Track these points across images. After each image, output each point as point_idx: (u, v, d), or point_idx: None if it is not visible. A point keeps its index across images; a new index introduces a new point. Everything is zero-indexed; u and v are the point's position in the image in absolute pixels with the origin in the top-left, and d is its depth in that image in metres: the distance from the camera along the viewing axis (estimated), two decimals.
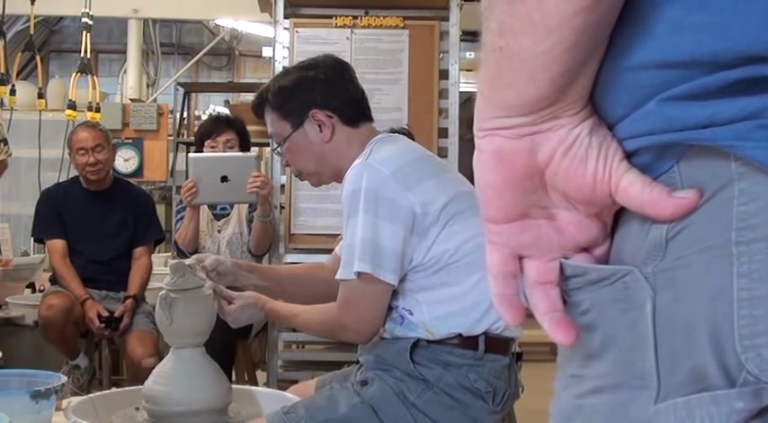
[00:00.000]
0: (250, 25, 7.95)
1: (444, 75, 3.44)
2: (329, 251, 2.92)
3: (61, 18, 9.88)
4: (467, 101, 5.43)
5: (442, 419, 1.74)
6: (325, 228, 3.33)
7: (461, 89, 3.52)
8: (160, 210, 4.80)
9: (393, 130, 2.32)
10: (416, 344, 1.78)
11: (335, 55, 2.06)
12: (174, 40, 10.63)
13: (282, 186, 3.41)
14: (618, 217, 0.56)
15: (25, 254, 4.97)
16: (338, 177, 1.92)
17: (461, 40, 3.51)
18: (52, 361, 3.48)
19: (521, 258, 0.57)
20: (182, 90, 7.18)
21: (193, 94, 8.06)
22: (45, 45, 10.27)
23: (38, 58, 5.14)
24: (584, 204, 0.54)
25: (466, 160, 3.44)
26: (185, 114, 7.17)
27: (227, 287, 1.99)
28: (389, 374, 1.78)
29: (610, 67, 0.52)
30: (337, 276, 1.79)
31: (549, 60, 0.50)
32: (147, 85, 8.68)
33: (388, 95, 3.38)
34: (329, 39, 3.42)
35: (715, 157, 0.49)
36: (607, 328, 0.54)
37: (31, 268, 4.55)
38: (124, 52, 7.97)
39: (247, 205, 3.42)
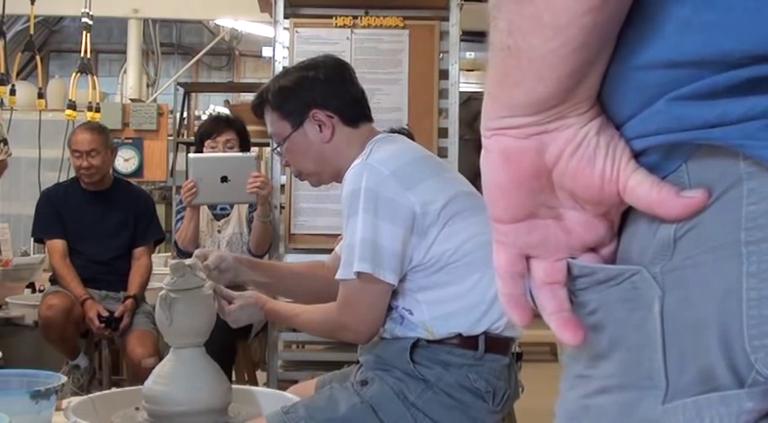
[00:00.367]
0: (250, 25, 7.95)
1: (444, 75, 3.44)
2: (329, 251, 2.92)
3: (61, 18, 9.88)
4: (467, 101, 5.44)
5: (442, 419, 1.74)
6: (325, 228, 3.33)
7: (461, 89, 3.52)
8: (160, 210, 4.80)
9: (393, 130, 2.32)
10: (416, 344, 1.78)
11: (336, 55, 2.06)
12: (174, 40, 10.64)
13: (282, 186, 3.41)
14: (625, 217, 0.56)
15: (25, 254, 4.97)
16: (338, 177, 1.92)
17: (461, 40, 3.51)
18: (52, 361, 3.48)
19: (528, 258, 0.57)
20: (182, 90, 7.18)
21: (193, 94, 8.06)
22: (45, 45, 10.27)
23: (38, 58, 5.13)
24: (591, 204, 0.54)
25: (466, 160, 3.45)
26: (185, 114, 7.17)
27: (228, 285, 1.99)
28: (389, 374, 1.78)
29: (618, 67, 0.52)
30: (337, 276, 1.79)
31: (557, 60, 0.50)
32: (147, 85, 8.68)
33: (388, 95, 3.38)
34: (329, 39, 3.42)
35: (723, 157, 0.48)
36: (614, 328, 0.54)
37: (31, 268, 4.55)
38: (124, 52, 7.97)
39: (247, 205, 3.42)
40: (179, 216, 3.41)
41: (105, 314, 3.45)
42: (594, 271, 0.55)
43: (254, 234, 3.32)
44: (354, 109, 1.92)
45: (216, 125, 3.50)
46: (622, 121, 0.53)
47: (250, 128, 3.65)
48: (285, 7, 3.42)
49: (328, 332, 1.97)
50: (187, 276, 1.82)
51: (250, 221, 3.41)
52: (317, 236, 3.36)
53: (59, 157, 5.02)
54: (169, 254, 5.33)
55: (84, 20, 4.60)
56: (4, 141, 3.86)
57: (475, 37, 5.74)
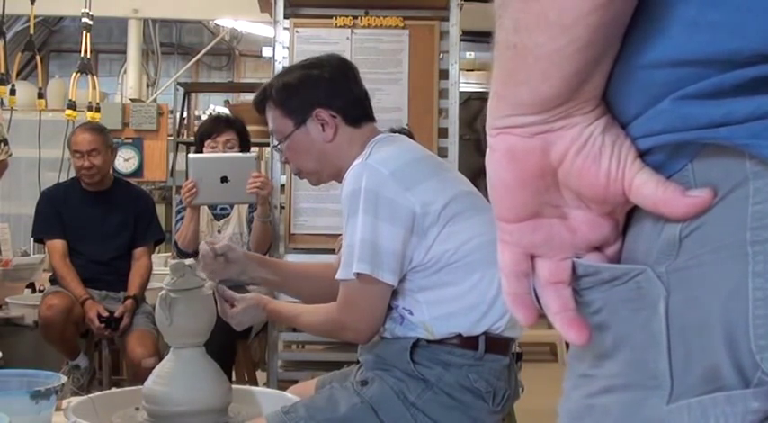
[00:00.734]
0: (250, 25, 7.95)
1: (444, 75, 3.44)
2: (329, 251, 2.93)
3: (61, 18, 9.88)
4: (467, 101, 5.44)
5: (442, 419, 1.74)
6: (325, 228, 3.33)
7: (461, 89, 3.52)
8: (160, 210, 4.80)
9: (393, 130, 2.32)
10: (416, 344, 1.78)
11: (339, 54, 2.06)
12: (174, 40, 10.64)
13: (282, 186, 3.41)
14: (630, 216, 0.56)
15: (25, 254, 4.97)
16: (338, 177, 1.92)
17: (461, 40, 3.51)
18: (52, 361, 3.48)
19: (533, 257, 0.57)
20: (182, 90, 7.18)
21: (193, 94, 8.05)
22: (45, 45, 10.27)
23: (38, 58, 5.14)
24: (596, 203, 0.54)
25: (466, 160, 3.45)
26: (185, 114, 7.16)
27: (230, 286, 1.99)
28: (389, 374, 1.78)
29: (623, 66, 0.52)
30: (337, 276, 1.79)
31: (562, 58, 0.50)
32: (147, 85, 8.68)
33: (388, 95, 3.38)
34: (329, 39, 3.42)
35: (729, 156, 0.48)
36: (619, 328, 0.54)
37: (31, 268, 4.55)
38: (124, 52, 7.97)
39: (247, 205, 3.42)
40: (179, 216, 3.41)
41: (105, 314, 3.45)
42: (599, 270, 0.55)
43: (254, 234, 3.32)
44: (357, 109, 1.92)
45: (216, 125, 3.50)
46: (628, 120, 0.53)
47: (250, 128, 3.65)
48: (285, 7, 3.42)
49: (329, 332, 1.97)
50: (187, 276, 1.82)
51: (250, 221, 3.41)
52: (317, 236, 3.36)
53: (59, 157, 5.02)
54: (169, 254, 5.33)
55: (84, 20, 4.60)
56: (5, 141, 3.86)
57: (475, 37, 5.74)
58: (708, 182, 0.50)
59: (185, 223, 3.29)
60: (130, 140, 6.66)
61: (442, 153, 3.32)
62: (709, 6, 0.47)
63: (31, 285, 4.52)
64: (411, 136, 2.68)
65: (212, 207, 3.46)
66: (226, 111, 6.05)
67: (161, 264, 4.90)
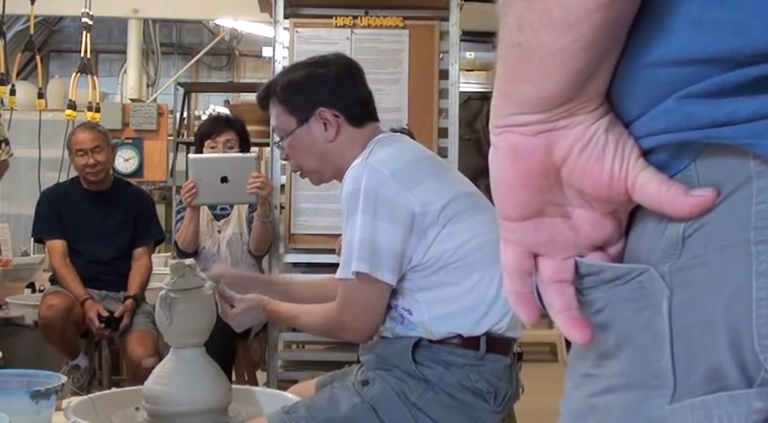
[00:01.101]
0: (250, 25, 7.94)
1: (444, 75, 3.44)
2: (329, 251, 2.93)
3: (61, 18, 9.87)
4: (467, 101, 5.44)
5: (443, 420, 1.74)
6: (325, 228, 3.33)
7: (461, 89, 3.52)
8: (160, 210, 4.80)
9: (394, 130, 2.32)
10: (418, 343, 1.78)
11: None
12: (174, 40, 10.63)
13: (282, 186, 3.41)
14: (633, 215, 0.56)
15: (25, 254, 4.97)
16: (339, 176, 1.92)
17: (461, 40, 3.51)
18: (52, 361, 3.48)
19: (535, 256, 0.57)
20: (182, 90, 7.17)
21: (193, 94, 8.05)
22: (45, 45, 10.26)
23: (38, 58, 5.13)
24: (599, 202, 0.54)
25: (466, 160, 3.45)
26: (185, 114, 7.16)
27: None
28: (390, 374, 1.78)
29: (627, 65, 0.52)
30: (336, 276, 1.79)
31: (567, 57, 0.50)
32: (147, 85, 8.67)
33: (388, 95, 3.38)
34: (329, 39, 3.41)
35: (733, 156, 0.48)
36: (622, 327, 0.54)
37: (31, 268, 4.55)
38: (124, 52, 7.96)
39: (247, 205, 3.42)
40: (179, 216, 3.41)
41: (105, 314, 3.45)
42: (602, 269, 0.55)
43: (254, 234, 3.32)
44: (361, 109, 1.92)
45: (216, 125, 3.50)
46: (631, 119, 0.53)
47: (250, 128, 3.65)
48: (285, 7, 3.42)
49: (328, 332, 1.98)
50: (187, 276, 1.82)
51: (250, 222, 3.41)
52: (317, 236, 3.36)
53: (59, 157, 5.01)
54: (169, 254, 5.33)
55: (84, 20, 4.59)
56: (6, 141, 3.86)
57: (475, 37, 5.74)
58: (711, 181, 0.50)
59: (185, 223, 3.29)
60: (130, 140, 6.66)
61: (442, 153, 3.32)
62: (712, 5, 0.47)
63: (31, 285, 4.52)
64: (412, 136, 2.68)
65: (212, 207, 3.46)
66: (226, 111, 6.05)
67: (161, 264, 4.90)
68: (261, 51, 8.36)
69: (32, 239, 4.27)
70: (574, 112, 0.52)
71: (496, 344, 1.79)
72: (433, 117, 3.42)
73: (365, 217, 1.72)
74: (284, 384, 2.74)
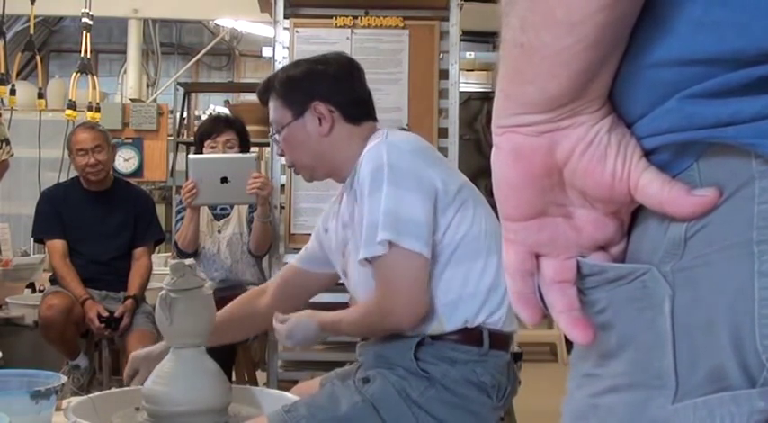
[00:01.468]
0: (250, 25, 7.95)
1: (444, 75, 3.43)
2: None
3: (61, 18, 9.87)
4: (467, 101, 5.44)
5: (445, 417, 1.74)
6: None
7: (461, 89, 3.52)
8: (160, 210, 4.80)
9: None
10: (421, 342, 1.78)
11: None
12: (174, 40, 10.63)
13: (282, 186, 3.41)
14: (635, 215, 0.56)
15: (25, 254, 4.97)
16: (333, 175, 1.93)
17: (461, 40, 3.51)
18: (52, 361, 3.48)
19: (537, 256, 0.57)
20: (182, 90, 7.17)
21: (193, 94, 8.05)
22: (45, 45, 10.27)
23: (38, 58, 5.14)
24: (602, 202, 0.54)
25: (466, 160, 3.45)
26: (185, 114, 7.16)
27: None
28: (392, 372, 1.77)
29: (630, 65, 0.52)
30: (360, 256, 1.74)
31: (570, 57, 0.50)
32: (147, 85, 8.68)
33: (388, 95, 3.38)
34: (329, 39, 3.41)
35: (735, 156, 0.48)
36: (624, 327, 0.54)
37: (31, 268, 4.55)
38: (124, 52, 7.97)
39: (247, 205, 3.42)
40: (179, 216, 3.41)
41: (105, 314, 3.45)
42: (604, 270, 0.55)
43: (254, 234, 3.32)
44: (358, 108, 1.92)
45: (216, 125, 3.50)
46: (634, 119, 0.53)
47: (250, 128, 3.65)
48: (285, 7, 3.42)
49: (372, 326, 1.85)
50: (187, 276, 1.82)
51: (250, 222, 3.41)
52: None
53: (59, 157, 5.02)
54: (169, 254, 5.34)
55: (84, 20, 4.60)
56: (6, 141, 3.87)
57: (475, 37, 5.74)
58: (713, 181, 0.50)
59: (185, 223, 3.29)
60: (130, 140, 6.66)
61: (442, 153, 3.31)
62: (715, 5, 0.47)
63: (31, 285, 4.53)
64: None
65: (212, 207, 3.47)
66: (226, 111, 6.05)
67: (161, 264, 4.90)
68: (261, 51, 8.34)
69: (32, 239, 4.28)
70: (577, 113, 0.52)
71: (497, 339, 1.80)
72: (433, 117, 3.42)
73: (390, 188, 1.71)
74: (284, 384, 2.74)
